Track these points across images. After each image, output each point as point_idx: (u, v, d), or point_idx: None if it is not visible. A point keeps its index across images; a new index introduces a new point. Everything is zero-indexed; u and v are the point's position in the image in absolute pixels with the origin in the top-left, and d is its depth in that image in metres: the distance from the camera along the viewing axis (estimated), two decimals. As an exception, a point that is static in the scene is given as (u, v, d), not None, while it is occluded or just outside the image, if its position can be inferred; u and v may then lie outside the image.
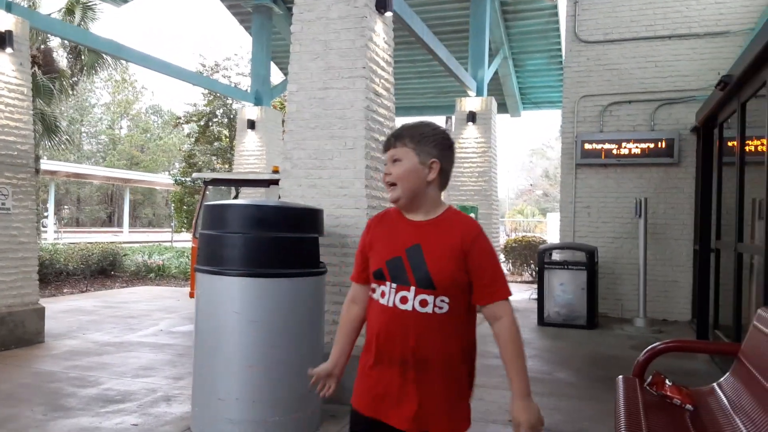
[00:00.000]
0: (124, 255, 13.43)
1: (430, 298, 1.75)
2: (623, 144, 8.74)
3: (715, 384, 3.19)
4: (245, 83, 18.24)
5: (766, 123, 4.27)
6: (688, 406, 2.92)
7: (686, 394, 3.00)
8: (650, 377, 3.18)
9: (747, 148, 5.28)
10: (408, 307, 1.76)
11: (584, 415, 4.25)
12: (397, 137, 1.82)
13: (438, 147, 1.81)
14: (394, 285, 1.79)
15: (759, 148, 4.90)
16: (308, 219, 3.83)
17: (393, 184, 1.81)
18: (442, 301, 1.75)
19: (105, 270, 12.47)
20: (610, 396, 3.36)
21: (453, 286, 1.75)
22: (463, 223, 1.80)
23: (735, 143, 5.50)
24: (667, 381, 3.07)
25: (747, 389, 2.80)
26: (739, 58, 5.18)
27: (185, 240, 20.60)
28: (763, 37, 4.16)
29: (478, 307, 1.83)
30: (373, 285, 1.87)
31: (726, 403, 2.90)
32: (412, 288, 1.76)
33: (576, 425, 4.04)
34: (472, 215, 9.51)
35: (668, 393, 3.00)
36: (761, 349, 2.86)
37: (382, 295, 1.82)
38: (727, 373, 3.16)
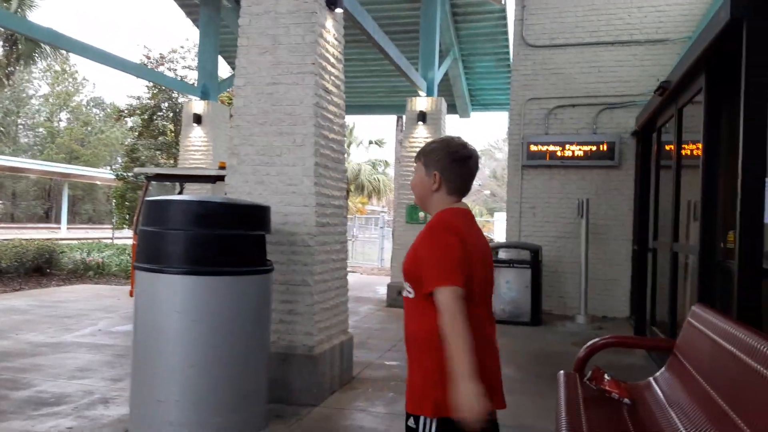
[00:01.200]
0: (62, 252, 12.90)
1: (408, 287, 2.03)
2: (567, 146, 8.97)
3: (651, 378, 3.30)
4: (192, 77, 17.83)
5: (702, 128, 4.45)
6: (626, 400, 3.01)
7: (624, 389, 3.09)
8: (590, 372, 3.27)
9: (683, 152, 5.50)
10: (404, 293, 2.06)
11: (527, 411, 4.34)
12: (418, 153, 2.12)
13: (442, 160, 2.04)
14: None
15: (695, 152, 5.10)
16: (254, 216, 3.76)
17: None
18: (410, 287, 2.01)
19: (41, 268, 11.94)
20: (552, 391, 3.43)
21: (410, 276, 2.00)
22: (428, 228, 2.00)
23: (672, 147, 5.71)
24: (606, 376, 3.16)
25: (681, 383, 2.91)
26: (677, 65, 5.39)
27: (126, 237, 19.99)
28: (699, 45, 4.34)
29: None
30: None
31: (661, 396, 3.00)
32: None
33: (519, 420, 4.12)
34: (422, 214, 9.59)
35: (607, 387, 3.09)
36: (695, 344, 2.98)
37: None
38: (663, 368, 3.28)
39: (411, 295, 2.00)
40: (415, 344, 2.00)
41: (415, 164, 2.14)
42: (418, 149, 2.19)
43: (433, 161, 2.05)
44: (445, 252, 1.90)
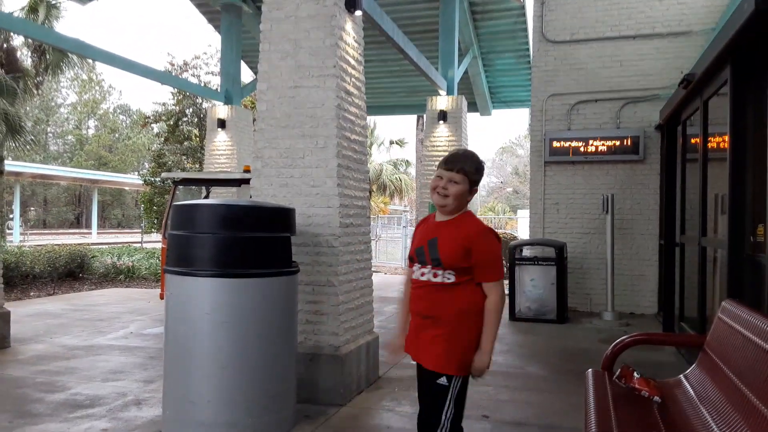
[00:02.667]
0: (93, 257, 13.16)
1: (440, 273, 2.47)
2: (590, 142, 8.89)
3: (681, 375, 3.27)
4: (215, 82, 18.04)
5: (728, 120, 4.38)
6: (656, 398, 2.98)
7: (654, 386, 3.06)
8: (619, 370, 3.24)
9: (709, 145, 5.42)
10: (425, 278, 2.51)
11: (555, 409, 4.32)
12: (457, 164, 2.50)
13: (481, 177, 2.59)
14: (418, 265, 2.55)
15: (721, 145, 5.03)
16: (280, 218, 3.81)
17: (446, 196, 2.49)
18: (450, 273, 2.45)
19: (73, 272, 12.21)
20: (579, 389, 3.42)
21: (457, 266, 2.44)
22: (468, 225, 2.52)
23: (698, 140, 5.63)
24: (635, 373, 3.13)
25: (712, 380, 2.88)
26: (701, 57, 5.31)
27: (155, 241, 20.31)
28: (724, 37, 4.27)
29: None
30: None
31: (692, 394, 2.97)
32: (429, 265, 2.50)
33: (547, 419, 4.10)
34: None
35: (636, 385, 3.06)
36: (726, 340, 2.94)
37: (414, 272, 2.59)
38: (693, 365, 3.24)
39: (450, 281, 2.46)
40: (447, 319, 2.47)
41: (456, 174, 2.49)
42: (439, 148, 2.56)
43: (476, 181, 2.56)
44: (499, 252, 2.51)
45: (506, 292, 8.73)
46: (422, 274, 2.53)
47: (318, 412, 4.14)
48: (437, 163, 9.33)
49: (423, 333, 2.54)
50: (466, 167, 2.50)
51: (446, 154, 2.62)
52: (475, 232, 2.48)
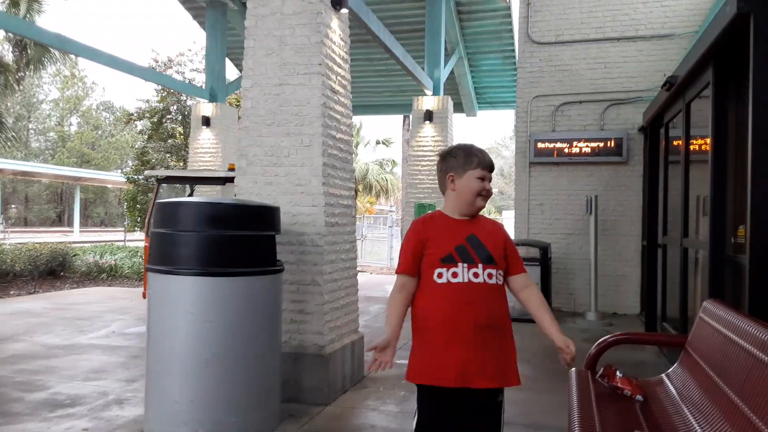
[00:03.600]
0: (75, 255, 13.01)
1: (493, 272, 2.26)
2: (574, 143, 8.95)
3: (663, 375, 3.30)
4: (200, 79, 17.90)
5: (710, 122, 4.43)
6: (639, 397, 3.00)
7: (636, 385, 3.09)
8: (601, 369, 3.26)
9: (692, 147, 5.47)
10: (480, 280, 2.23)
11: (539, 408, 4.34)
12: (493, 164, 2.39)
13: None
14: (465, 264, 2.23)
15: (703, 147, 5.08)
16: (264, 216, 3.78)
17: (489, 198, 2.36)
18: (500, 273, 2.30)
19: (54, 271, 12.05)
20: (563, 388, 3.44)
21: (502, 263, 2.31)
22: (490, 222, 2.45)
23: (680, 142, 5.69)
24: (618, 372, 3.15)
25: (694, 379, 2.91)
26: (684, 60, 5.36)
27: (138, 239, 20.11)
28: (706, 39, 4.32)
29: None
30: (440, 270, 2.25)
31: (674, 392, 3.00)
32: (480, 265, 2.24)
33: (530, 417, 4.12)
34: (430, 212, 9.59)
35: (619, 384, 3.09)
36: (707, 340, 2.97)
37: (454, 275, 2.23)
38: (675, 364, 3.27)
39: (500, 282, 2.30)
40: (504, 326, 2.29)
41: (489, 173, 2.38)
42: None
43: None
44: None
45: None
46: (475, 275, 2.22)
47: (302, 411, 4.13)
48: (422, 163, 9.37)
49: (482, 347, 2.19)
50: (459, 165, 2.36)
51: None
52: (501, 226, 2.45)
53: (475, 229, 2.32)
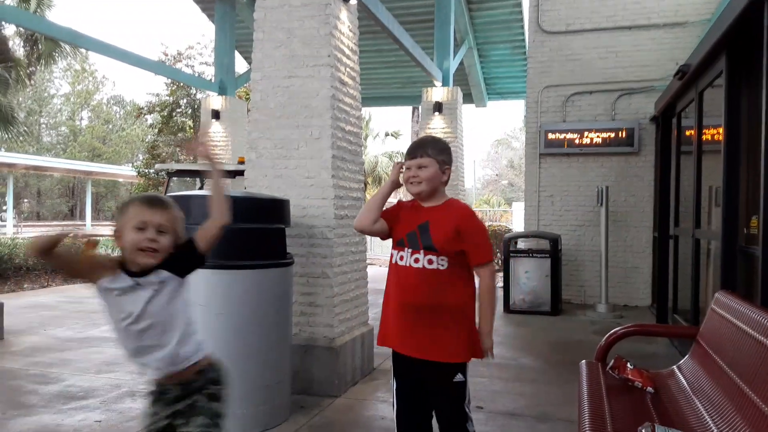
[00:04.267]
0: (86, 249, 13.10)
1: (434, 258, 2.40)
2: (585, 133, 8.88)
3: (674, 366, 3.28)
4: (209, 72, 17.94)
5: (723, 112, 4.38)
6: (649, 389, 2.99)
7: (647, 377, 3.07)
8: (612, 361, 3.25)
9: (704, 137, 5.42)
10: (419, 265, 2.42)
11: (548, 400, 4.33)
12: (419, 150, 2.50)
13: (449, 157, 2.55)
14: (409, 250, 2.45)
15: (715, 137, 5.03)
16: (274, 209, 3.79)
17: (420, 183, 2.48)
18: (443, 259, 2.40)
19: (66, 264, 12.14)
20: (573, 380, 3.43)
21: (450, 250, 2.40)
22: (456, 208, 2.51)
23: (692, 132, 5.64)
24: (628, 364, 3.14)
25: (705, 371, 2.89)
26: (697, 48, 5.30)
27: (149, 233, 20.19)
28: (719, 27, 4.26)
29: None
30: (393, 251, 2.53)
31: (685, 384, 2.99)
32: (421, 251, 2.42)
33: (540, 409, 4.12)
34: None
35: (630, 376, 3.07)
36: (719, 332, 2.95)
37: (401, 258, 2.48)
38: (686, 356, 3.25)
39: (443, 267, 2.40)
40: (443, 307, 2.41)
41: (421, 159, 2.48)
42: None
43: (448, 159, 2.54)
44: (486, 233, 2.52)
45: (500, 283, 8.75)
46: (416, 260, 2.43)
47: (313, 403, 4.15)
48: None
49: (420, 325, 2.43)
50: (428, 150, 2.49)
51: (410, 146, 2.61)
52: (464, 214, 2.48)
53: (432, 216, 2.48)
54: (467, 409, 2.46)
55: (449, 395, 2.45)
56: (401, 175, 2.55)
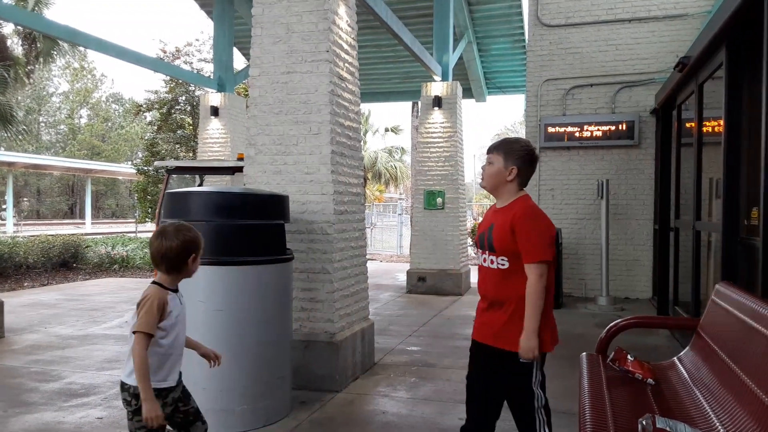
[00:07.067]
0: (87, 247, 13.12)
1: (494, 258, 2.58)
2: (585, 127, 8.86)
3: (675, 358, 3.28)
4: (208, 69, 17.91)
5: (723, 104, 4.37)
6: (650, 380, 2.99)
7: (648, 369, 3.07)
8: (613, 353, 3.25)
9: (704, 129, 5.41)
10: (487, 264, 2.63)
11: (550, 392, 4.29)
12: (492, 148, 2.69)
13: (521, 158, 2.61)
14: (481, 250, 2.67)
15: (716, 129, 5.02)
16: (273, 205, 3.78)
17: (483, 179, 2.70)
18: (503, 259, 2.55)
19: (67, 262, 12.17)
20: (574, 373, 3.43)
21: (507, 250, 2.53)
22: (515, 209, 2.58)
23: (693, 124, 5.62)
24: (629, 356, 3.14)
25: (706, 362, 2.89)
26: (697, 40, 5.28)
27: (149, 230, 20.23)
28: (719, 19, 4.25)
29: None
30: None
31: (686, 376, 2.98)
32: (487, 252, 2.61)
33: (542, 403, 4.11)
34: (440, 199, 9.57)
35: (630, 368, 3.07)
36: (720, 323, 2.95)
37: (483, 259, 2.68)
38: (687, 347, 3.25)
39: (504, 267, 2.56)
40: (503, 302, 2.56)
41: (488, 155, 2.68)
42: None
43: (513, 157, 2.61)
44: (546, 232, 2.55)
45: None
46: (484, 260, 2.65)
47: (314, 398, 4.15)
48: (431, 149, 9.37)
49: (488, 315, 2.62)
50: (497, 148, 2.65)
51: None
52: (519, 214, 2.54)
53: (497, 218, 2.63)
54: (534, 388, 2.63)
55: (511, 376, 2.60)
56: None
